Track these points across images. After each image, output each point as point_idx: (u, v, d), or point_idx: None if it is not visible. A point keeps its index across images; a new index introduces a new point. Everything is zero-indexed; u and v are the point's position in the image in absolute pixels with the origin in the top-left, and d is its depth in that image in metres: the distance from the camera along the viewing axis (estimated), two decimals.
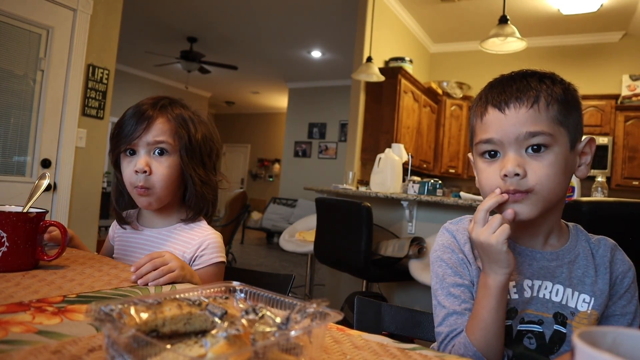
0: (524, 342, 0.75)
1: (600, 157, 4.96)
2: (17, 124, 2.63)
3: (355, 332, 0.63)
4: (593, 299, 0.75)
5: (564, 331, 0.74)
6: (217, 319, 0.44)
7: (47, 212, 0.89)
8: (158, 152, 0.98)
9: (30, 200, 0.90)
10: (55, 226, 0.88)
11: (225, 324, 0.43)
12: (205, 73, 7.30)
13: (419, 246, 2.51)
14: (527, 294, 0.76)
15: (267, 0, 5.11)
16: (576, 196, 2.46)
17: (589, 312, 0.74)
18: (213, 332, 0.41)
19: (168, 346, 0.38)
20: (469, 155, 0.86)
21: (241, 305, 0.51)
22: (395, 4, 5.05)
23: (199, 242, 1.00)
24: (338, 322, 0.52)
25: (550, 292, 0.76)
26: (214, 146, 1.06)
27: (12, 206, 0.92)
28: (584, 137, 0.76)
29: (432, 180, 3.07)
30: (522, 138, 0.70)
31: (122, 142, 0.99)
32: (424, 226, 2.91)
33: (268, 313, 0.46)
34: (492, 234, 0.67)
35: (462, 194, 2.95)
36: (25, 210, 0.86)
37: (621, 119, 5.00)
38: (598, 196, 2.77)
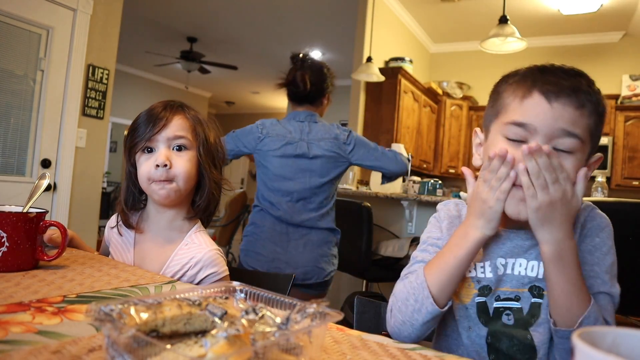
0: (502, 319, 0.76)
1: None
2: (17, 124, 2.63)
3: (355, 332, 0.63)
4: None
5: (541, 301, 0.74)
6: (217, 319, 0.44)
7: (47, 212, 0.89)
8: (177, 148, 1.01)
9: (30, 200, 0.90)
10: (55, 226, 0.88)
11: (225, 324, 0.43)
12: (205, 73, 7.29)
13: None
14: (500, 271, 0.77)
15: (267, 0, 5.11)
16: None
17: None
18: (213, 332, 0.41)
19: (168, 346, 0.39)
20: (477, 130, 0.85)
21: (241, 305, 0.51)
22: (395, 4, 5.05)
23: (199, 258, 1.00)
24: (338, 322, 0.52)
25: (526, 269, 0.76)
26: (222, 149, 1.10)
27: (12, 206, 0.92)
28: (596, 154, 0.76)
29: (432, 180, 3.07)
30: (557, 134, 0.69)
31: (140, 139, 1.00)
32: (424, 226, 2.90)
33: (268, 313, 0.46)
34: (495, 192, 0.70)
35: (462, 194, 2.95)
36: (25, 210, 0.86)
37: (621, 119, 5.00)
38: (598, 196, 2.77)
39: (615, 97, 5.04)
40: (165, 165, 0.97)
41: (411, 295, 0.75)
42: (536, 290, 0.75)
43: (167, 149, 1.00)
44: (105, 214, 5.67)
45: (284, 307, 0.51)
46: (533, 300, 0.75)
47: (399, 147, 3.44)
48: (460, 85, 5.82)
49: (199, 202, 1.05)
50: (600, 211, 0.80)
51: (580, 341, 0.33)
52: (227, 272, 1.03)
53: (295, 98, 1.90)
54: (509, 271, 0.77)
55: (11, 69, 2.57)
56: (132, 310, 0.42)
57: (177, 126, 1.01)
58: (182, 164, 1.00)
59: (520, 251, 0.77)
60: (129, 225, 1.06)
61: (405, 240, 2.52)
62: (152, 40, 6.81)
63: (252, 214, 1.92)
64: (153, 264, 1.01)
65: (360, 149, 1.83)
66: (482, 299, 0.77)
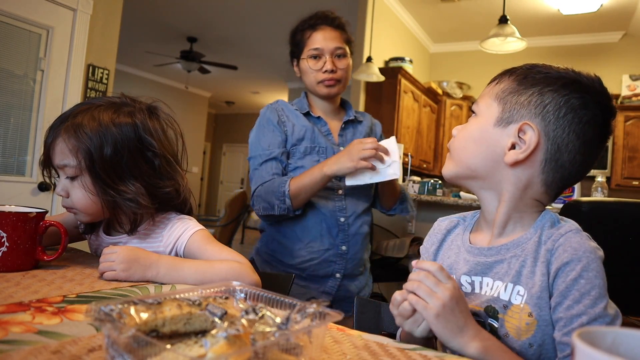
0: None
1: (600, 157, 4.97)
2: (17, 124, 2.62)
3: (355, 332, 0.63)
4: (526, 291, 0.69)
5: (496, 325, 0.71)
6: (217, 319, 0.44)
7: (47, 212, 0.89)
8: (67, 177, 0.90)
9: None
10: (55, 226, 0.88)
11: (225, 324, 0.43)
12: (205, 73, 7.29)
13: (419, 246, 2.50)
14: (466, 289, 0.76)
15: (267, 0, 5.11)
16: (576, 196, 2.46)
17: (521, 305, 0.69)
18: (213, 332, 0.41)
19: (168, 346, 0.39)
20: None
21: (241, 305, 0.51)
22: (395, 4, 5.05)
23: (168, 235, 0.95)
24: (338, 322, 0.52)
25: (491, 289, 0.73)
26: (157, 151, 0.92)
27: (12, 206, 0.92)
28: (522, 123, 0.72)
29: (432, 180, 3.07)
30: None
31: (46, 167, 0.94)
32: (424, 226, 2.91)
33: (268, 313, 0.46)
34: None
35: (462, 194, 2.95)
36: None
37: (621, 119, 5.00)
38: (598, 196, 2.77)
39: (616, 97, 5.03)
40: (62, 196, 0.92)
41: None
42: (491, 311, 0.71)
43: (64, 176, 0.91)
44: None
45: (284, 307, 0.51)
46: (489, 320, 0.71)
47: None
48: (460, 85, 5.82)
49: (120, 220, 0.94)
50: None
51: (580, 341, 0.33)
52: (202, 227, 0.96)
53: None
54: (475, 289, 0.75)
55: (11, 69, 2.57)
56: (132, 310, 0.42)
57: (58, 153, 0.89)
58: (74, 194, 0.90)
59: (484, 269, 0.75)
60: (89, 230, 1.02)
61: (405, 240, 2.52)
62: (152, 40, 6.81)
63: None
64: None
65: None
66: None
